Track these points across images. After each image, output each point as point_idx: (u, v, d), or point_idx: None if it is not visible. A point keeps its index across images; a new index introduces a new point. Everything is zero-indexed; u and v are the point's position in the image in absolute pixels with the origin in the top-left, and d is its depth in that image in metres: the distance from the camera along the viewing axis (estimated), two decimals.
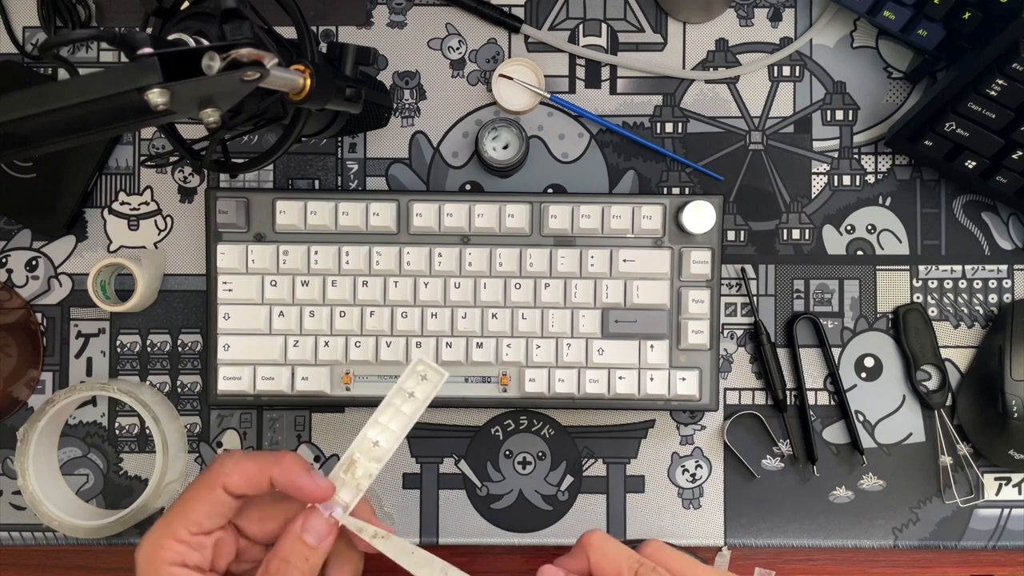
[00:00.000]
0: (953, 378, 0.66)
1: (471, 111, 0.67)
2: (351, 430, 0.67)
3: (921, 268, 0.67)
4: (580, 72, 0.67)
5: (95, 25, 0.68)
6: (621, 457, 0.66)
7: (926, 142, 0.63)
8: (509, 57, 0.67)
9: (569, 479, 0.66)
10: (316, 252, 0.63)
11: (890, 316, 0.67)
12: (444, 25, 0.67)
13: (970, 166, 0.62)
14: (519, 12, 0.67)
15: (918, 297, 0.67)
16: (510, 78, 0.66)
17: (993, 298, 0.67)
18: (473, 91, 0.67)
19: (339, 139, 0.67)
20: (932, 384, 0.67)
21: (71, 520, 0.62)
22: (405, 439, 0.66)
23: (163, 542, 0.44)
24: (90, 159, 0.66)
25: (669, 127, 0.67)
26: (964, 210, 0.67)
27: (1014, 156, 0.61)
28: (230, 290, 0.63)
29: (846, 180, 0.67)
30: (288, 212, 0.63)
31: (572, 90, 0.67)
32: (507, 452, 0.66)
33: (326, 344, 0.63)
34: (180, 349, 0.67)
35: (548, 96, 0.66)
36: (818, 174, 0.67)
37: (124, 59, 0.55)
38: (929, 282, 0.67)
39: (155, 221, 0.67)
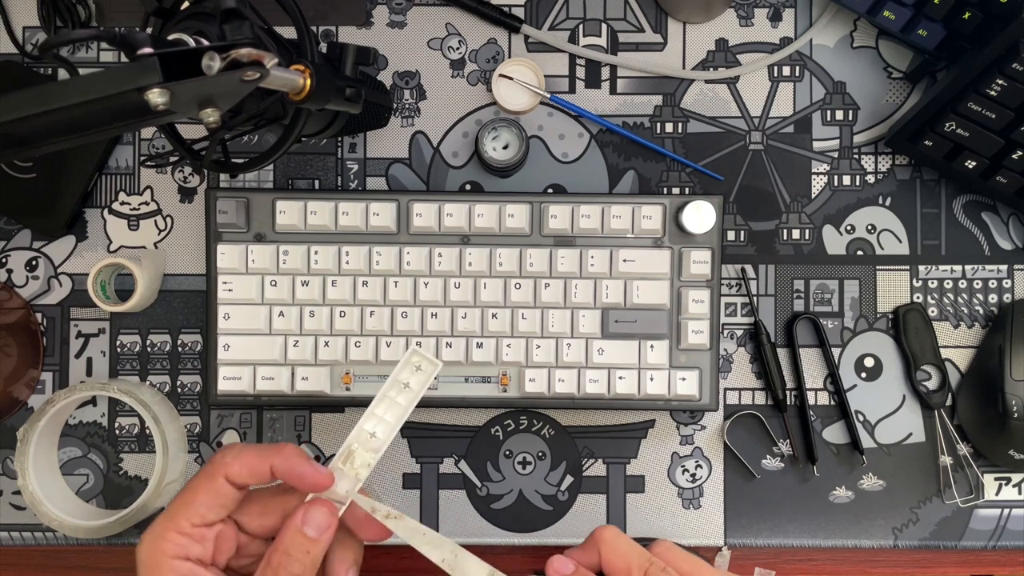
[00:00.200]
0: (953, 378, 0.66)
1: (471, 111, 0.67)
2: (351, 430, 0.66)
3: (921, 268, 0.67)
4: (580, 72, 0.67)
5: (95, 25, 0.68)
6: (621, 457, 0.66)
7: (926, 142, 0.63)
8: (509, 57, 0.67)
9: (569, 479, 0.66)
10: (316, 252, 0.63)
11: (890, 316, 0.67)
12: (444, 25, 0.67)
13: (970, 166, 0.62)
14: (519, 12, 0.67)
15: (918, 297, 0.67)
16: (510, 78, 0.66)
17: (993, 298, 0.67)
18: (473, 91, 0.67)
19: (339, 139, 0.67)
20: (932, 384, 0.67)
21: (71, 520, 0.62)
22: (405, 439, 0.66)
23: (166, 535, 0.44)
24: (90, 159, 0.66)
25: (669, 127, 0.67)
26: (964, 210, 0.67)
27: (1014, 156, 0.61)
28: (230, 290, 0.63)
29: (846, 180, 0.67)
30: (288, 212, 0.63)
31: (572, 90, 0.67)
32: (507, 452, 0.66)
33: (326, 344, 0.63)
34: (180, 349, 0.67)
35: (548, 96, 0.66)
36: (818, 174, 0.67)
37: (124, 59, 0.55)
38: (929, 282, 0.67)
39: (155, 221, 0.67)
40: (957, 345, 0.67)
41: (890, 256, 0.67)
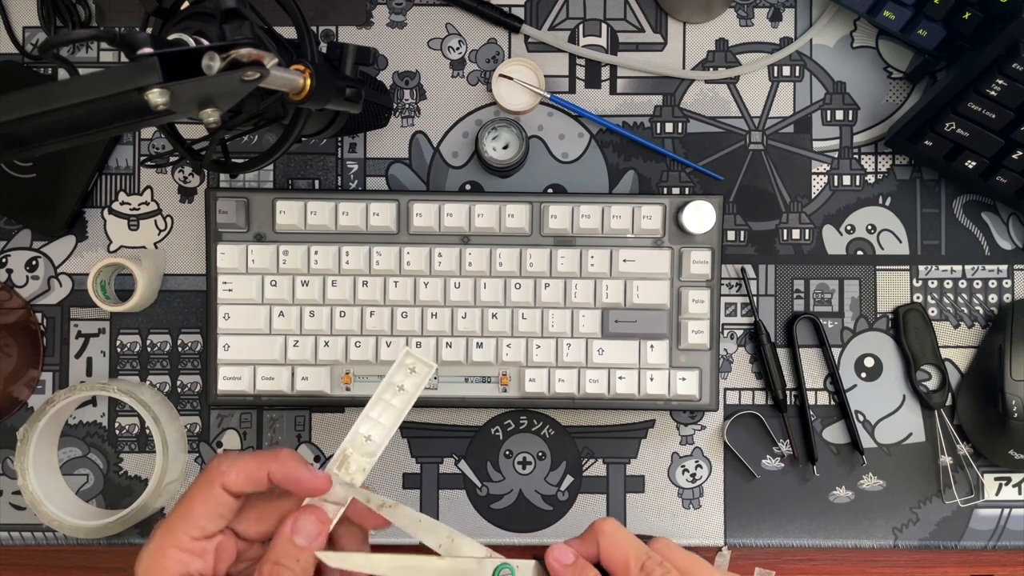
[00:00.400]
0: (953, 378, 0.66)
1: (471, 111, 0.67)
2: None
3: (921, 268, 0.67)
4: (580, 72, 0.67)
5: (95, 25, 0.68)
6: (621, 457, 0.66)
7: (926, 142, 0.63)
8: (509, 57, 0.67)
9: (569, 479, 0.66)
10: (316, 252, 0.63)
11: (890, 316, 0.67)
12: (444, 25, 0.67)
13: (970, 166, 0.62)
14: (519, 12, 0.67)
15: (918, 297, 0.67)
16: (510, 78, 0.66)
17: (993, 298, 0.67)
18: (473, 91, 0.67)
19: (339, 139, 0.67)
20: (932, 384, 0.67)
21: (71, 520, 0.62)
22: (405, 439, 0.66)
23: (166, 551, 0.43)
24: (90, 159, 0.66)
25: (669, 127, 0.67)
26: (964, 210, 0.67)
27: (1014, 156, 0.61)
28: (230, 290, 0.63)
29: (846, 180, 0.67)
30: (288, 212, 0.63)
31: (572, 90, 0.67)
32: (507, 452, 0.66)
33: (326, 344, 0.63)
34: (180, 349, 0.67)
35: (548, 96, 0.66)
36: (818, 174, 0.67)
37: (124, 59, 0.55)
38: (929, 282, 0.67)
39: (155, 221, 0.67)
40: (957, 345, 0.67)
41: (890, 256, 0.67)
